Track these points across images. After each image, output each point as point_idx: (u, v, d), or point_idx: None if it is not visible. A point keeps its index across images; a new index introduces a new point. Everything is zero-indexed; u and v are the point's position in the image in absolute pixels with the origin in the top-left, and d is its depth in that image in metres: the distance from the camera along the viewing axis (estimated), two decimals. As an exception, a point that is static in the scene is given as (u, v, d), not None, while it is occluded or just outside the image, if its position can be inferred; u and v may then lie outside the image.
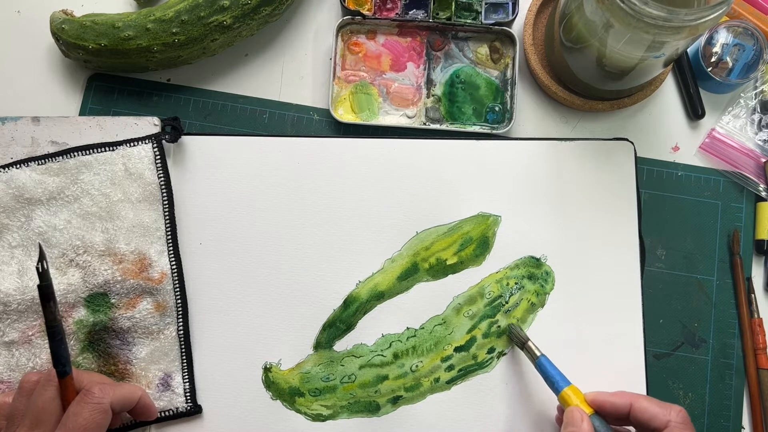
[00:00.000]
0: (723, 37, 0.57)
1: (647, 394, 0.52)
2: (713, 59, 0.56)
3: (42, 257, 0.42)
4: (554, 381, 0.46)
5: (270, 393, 0.51)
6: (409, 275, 0.53)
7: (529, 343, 0.49)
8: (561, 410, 0.48)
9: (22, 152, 0.53)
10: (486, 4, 0.56)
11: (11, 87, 0.56)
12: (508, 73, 0.57)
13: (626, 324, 0.53)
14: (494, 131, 0.55)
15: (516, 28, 0.57)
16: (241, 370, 0.51)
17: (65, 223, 0.51)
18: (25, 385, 0.44)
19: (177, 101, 0.56)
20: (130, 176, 0.52)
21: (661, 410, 0.43)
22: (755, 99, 0.58)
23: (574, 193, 0.55)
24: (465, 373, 0.52)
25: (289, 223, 0.53)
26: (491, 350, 0.52)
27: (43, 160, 0.52)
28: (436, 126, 0.56)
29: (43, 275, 0.42)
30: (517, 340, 0.50)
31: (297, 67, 0.58)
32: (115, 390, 0.44)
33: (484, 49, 0.57)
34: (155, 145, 0.53)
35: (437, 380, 0.52)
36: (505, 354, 0.52)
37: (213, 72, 0.57)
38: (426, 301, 0.53)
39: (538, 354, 0.48)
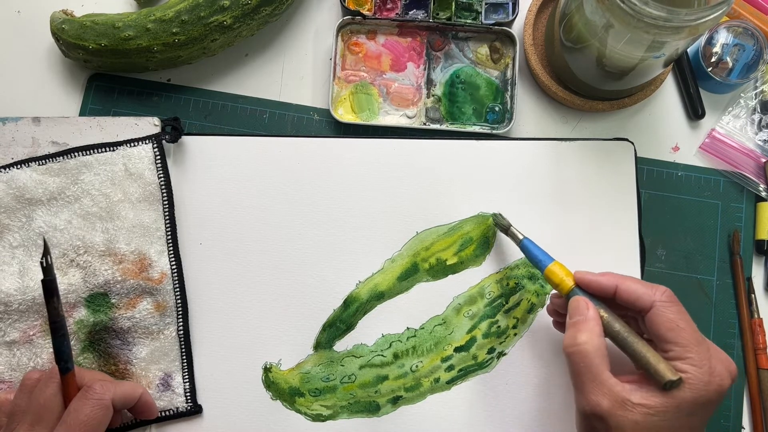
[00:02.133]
0: (723, 37, 0.57)
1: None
2: (713, 59, 0.56)
3: (47, 252, 0.42)
4: (539, 260, 0.47)
5: (270, 393, 0.51)
6: (409, 275, 0.53)
7: (512, 229, 0.50)
8: (554, 311, 0.48)
9: (23, 152, 0.53)
10: (486, 4, 0.56)
11: (11, 87, 0.56)
12: (508, 73, 0.57)
13: (626, 324, 0.53)
14: (494, 131, 0.55)
15: (516, 28, 0.57)
16: (241, 370, 0.51)
17: (66, 224, 0.51)
18: (26, 382, 0.45)
19: (177, 101, 0.56)
20: (131, 176, 0.52)
21: (647, 290, 0.42)
22: (755, 99, 0.58)
23: (574, 193, 0.55)
24: (465, 373, 0.52)
25: (289, 223, 0.53)
26: (491, 350, 0.52)
27: (43, 161, 0.52)
28: (436, 126, 0.56)
29: (48, 270, 0.42)
30: (501, 226, 0.51)
31: (297, 67, 0.58)
32: (116, 387, 0.44)
33: (484, 49, 0.57)
34: (155, 145, 0.53)
35: (437, 380, 0.52)
36: (505, 354, 0.52)
37: (213, 72, 0.57)
38: (426, 301, 0.53)
39: (521, 237, 0.49)
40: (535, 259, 0.47)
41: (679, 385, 0.39)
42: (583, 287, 0.45)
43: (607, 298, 0.44)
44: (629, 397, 0.39)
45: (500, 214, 0.53)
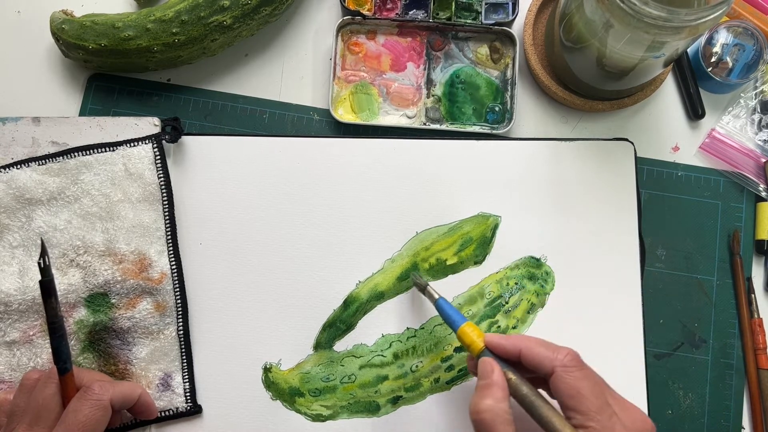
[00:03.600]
0: (723, 37, 0.57)
1: (647, 394, 0.52)
2: (713, 59, 0.56)
3: (44, 252, 0.42)
4: (452, 320, 0.46)
5: (270, 393, 0.51)
6: (409, 275, 0.53)
7: (428, 288, 0.49)
8: (470, 364, 0.47)
9: (23, 152, 0.53)
10: (486, 4, 0.56)
11: (11, 87, 0.56)
12: (508, 73, 0.57)
13: (626, 324, 0.53)
14: (494, 131, 0.55)
15: (516, 28, 0.57)
16: (241, 370, 0.51)
17: (66, 224, 0.51)
18: (26, 382, 0.45)
19: (177, 101, 0.56)
20: (130, 176, 0.52)
21: (548, 354, 0.41)
22: (755, 99, 0.58)
23: (574, 193, 0.55)
24: (465, 373, 0.52)
25: (289, 223, 0.53)
26: (491, 350, 0.52)
27: (43, 161, 0.52)
28: (436, 126, 0.56)
29: (45, 270, 0.42)
30: (418, 286, 0.51)
31: (297, 67, 0.58)
32: (114, 387, 0.44)
33: (484, 49, 0.57)
34: (155, 145, 0.53)
35: (437, 380, 0.52)
36: (505, 354, 0.52)
37: (213, 72, 0.57)
38: (426, 302, 0.53)
39: (437, 297, 0.48)
40: (449, 319, 0.47)
41: None
42: (491, 350, 0.43)
43: (516, 363, 0.43)
44: None
45: (417, 274, 0.52)
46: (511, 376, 0.42)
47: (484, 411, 0.40)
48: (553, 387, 0.40)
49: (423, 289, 0.50)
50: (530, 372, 0.42)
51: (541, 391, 0.42)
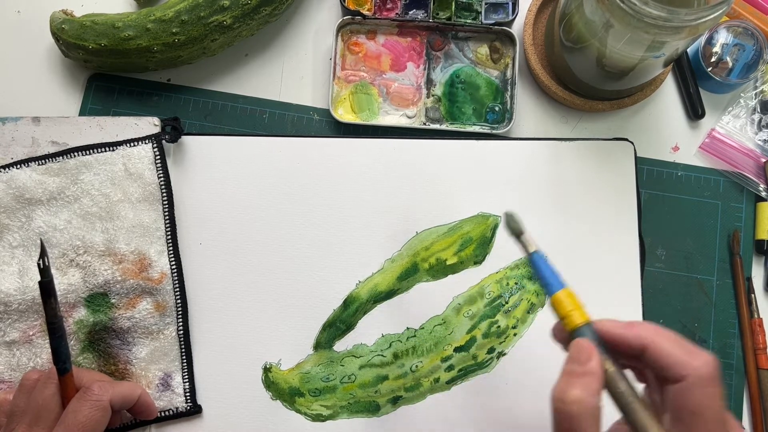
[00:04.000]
0: (723, 37, 0.57)
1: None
2: (713, 59, 0.56)
3: (43, 253, 0.42)
4: (548, 282, 0.38)
5: (270, 393, 0.51)
6: (409, 275, 0.53)
7: (525, 236, 0.40)
8: (558, 334, 0.39)
9: (23, 152, 0.53)
10: (486, 4, 0.56)
11: (11, 87, 0.56)
12: (508, 73, 0.57)
13: (626, 324, 0.53)
14: (494, 131, 0.55)
15: (516, 28, 0.57)
16: (241, 370, 0.51)
17: (65, 224, 0.51)
18: (25, 382, 0.45)
19: (177, 101, 0.56)
20: (130, 176, 0.52)
21: (683, 358, 0.33)
22: (755, 99, 0.58)
23: (574, 193, 0.55)
24: (465, 373, 0.52)
25: (288, 222, 0.53)
26: (491, 350, 0.52)
27: (43, 161, 0.52)
28: (436, 126, 0.56)
29: (44, 271, 0.42)
30: (512, 230, 0.41)
31: (297, 67, 0.58)
32: (114, 388, 0.44)
33: (484, 49, 0.57)
34: (155, 145, 0.53)
35: (437, 380, 0.52)
36: (505, 354, 0.52)
37: (213, 72, 0.57)
38: (426, 301, 0.53)
39: (532, 249, 0.39)
40: (544, 279, 0.38)
41: None
42: (601, 336, 0.36)
43: (633, 356, 0.36)
44: None
45: (514, 215, 0.41)
46: (609, 366, 0.35)
47: (571, 402, 0.33)
48: (674, 395, 0.34)
49: (518, 236, 0.40)
50: (627, 356, 0.36)
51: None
